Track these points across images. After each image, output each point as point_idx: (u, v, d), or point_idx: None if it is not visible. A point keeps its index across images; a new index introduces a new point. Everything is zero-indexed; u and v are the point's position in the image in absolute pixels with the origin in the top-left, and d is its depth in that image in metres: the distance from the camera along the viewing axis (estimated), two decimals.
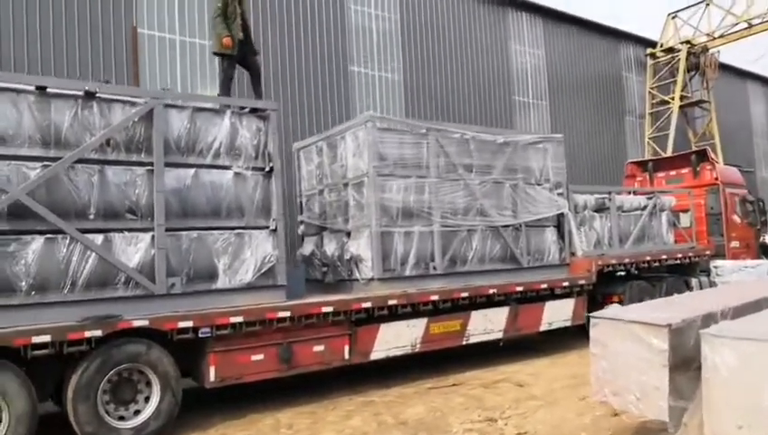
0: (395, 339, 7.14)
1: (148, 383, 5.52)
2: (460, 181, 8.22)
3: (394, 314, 7.12)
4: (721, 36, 20.34)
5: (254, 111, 6.66)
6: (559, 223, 9.52)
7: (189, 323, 5.62)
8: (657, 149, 20.07)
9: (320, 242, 8.36)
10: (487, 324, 8.05)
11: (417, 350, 7.36)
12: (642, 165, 14.36)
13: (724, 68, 23.60)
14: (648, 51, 21.36)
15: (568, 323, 9.05)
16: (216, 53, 6.99)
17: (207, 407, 6.52)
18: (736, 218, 12.95)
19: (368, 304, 6.82)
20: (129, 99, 5.96)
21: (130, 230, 5.73)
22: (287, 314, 6.20)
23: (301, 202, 8.99)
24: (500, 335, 8.19)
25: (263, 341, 6.15)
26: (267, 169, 6.59)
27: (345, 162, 7.87)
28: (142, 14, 11.73)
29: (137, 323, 5.38)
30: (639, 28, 45.98)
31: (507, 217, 8.72)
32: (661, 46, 21.35)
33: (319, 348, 6.55)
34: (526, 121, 17.75)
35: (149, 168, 5.86)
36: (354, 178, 7.67)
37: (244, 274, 6.33)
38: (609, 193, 10.41)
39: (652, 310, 4.01)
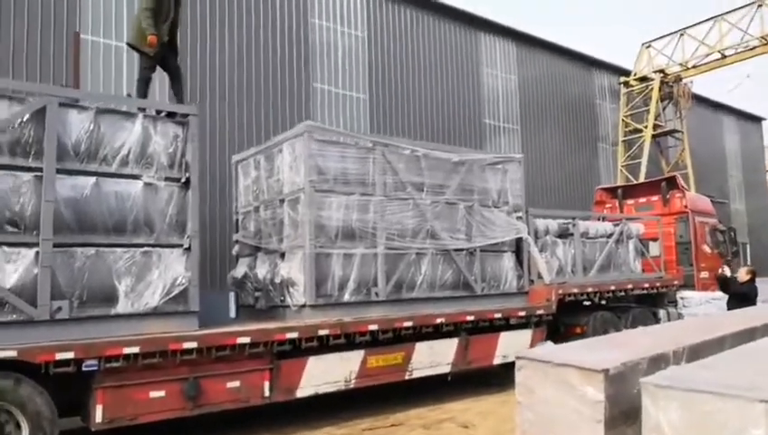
0: (326, 374, 6.37)
1: (18, 426, 4.69)
2: (409, 201, 7.58)
3: (326, 346, 6.37)
4: (694, 67, 20.21)
5: (171, 115, 5.98)
6: (518, 248, 8.90)
7: (70, 355, 4.81)
8: (630, 177, 19.73)
9: (253, 263, 7.61)
10: (434, 357, 7.32)
11: (352, 386, 6.59)
12: (612, 191, 13.89)
13: (699, 99, 23.54)
14: (622, 79, 21.19)
15: None
16: (133, 47, 6.30)
17: None
18: (706, 248, 12.47)
19: (293, 335, 6.06)
20: (17, 95, 5.24)
21: (10, 245, 4.95)
22: (194, 344, 5.42)
23: (237, 220, 8.25)
24: (448, 369, 7.47)
25: (164, 375, 5.35)
26: (183, 180, 5.88)
27: (281, 176, 7.18)
28: (86, 19, 11.07)
29: (1, 355, 4.56)
30: (613, 57, 46.62)
31: (461, 240, 8.07)
32: (635, 75, 21.19)
33: (233, 384, 5.75)
34: (497, 145, 17.28)
35: (38, 174, 5.11)
36: (290, 193, 6.99)
37: (150, 297, 5.55)
38: (573, 218, 9.84)
39: (590, 350, 3.35)
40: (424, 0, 15.79)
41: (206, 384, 5.57)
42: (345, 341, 6.46)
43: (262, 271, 7.25)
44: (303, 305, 6.59)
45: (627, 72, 21.47)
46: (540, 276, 8.96)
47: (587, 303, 9.85)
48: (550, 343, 7.61)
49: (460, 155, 8.32)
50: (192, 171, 5.89)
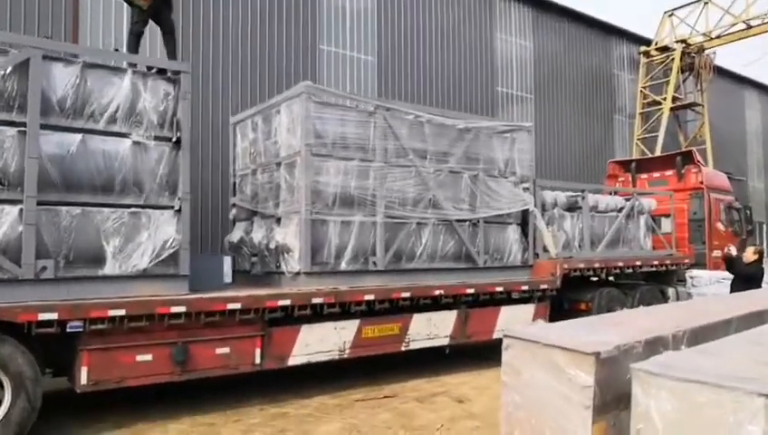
0: (319, 343, 6.25)
1: (1, 385, 4.61)
2: (411, 168, 7.33)
3: (320, 315, 6.24)
4: (718, 37, 19.46)
5: (162, 72, 5.75)
6: (523, 221, 8.66)
7: (53, 316, 4.71)
8: (646, 150, 19.22)
9: (249, 228, 7.46)
10: (431, 329, 7.18)
11: (346, 355, 6.48)
12: (625, 165, 13.50)
13: (720, 72, 22.75)
14: (642, 49, 20.46)
15: None
16: (125, 0, 6.04)
17: (87, 410, 5.63)
18: (720, 226, 12.13)
19: (286, 302, 5.92)
20: (1, 47, 5.03)
21: None
22: (182, 309, 5.30)
23: (234, 183, 8.06)
24: (446, 342, 7.33)
25: (152, 339, 5.25)
26: (174, 139, 5.68)
27: (279, 139, 6.96)
28: None
29: None
30: (634, 26, 45.07)
31: (464, 210, 7.84)
32: (656, 44, 20.46)
33: (223, 350, 5.65)
34: (509, 114, 16.82)
35: (22, 129, 4.94)
36: (287, 156, 6.77)
37: (139, 259, 5.43)
38: (583, 191, 9.55)
39: (584, 331, 3.14)
40: None
41: (194, 349, 5.47)
42: (340, 310, 6.33)
43: (258, 236, 7.09)
44: (298, 273, 6.43)
45: (647, 42, 20.72)
46: (545, 250, 8.74)
47: (594, 278, 9.65)
48: (541, 321, 7.39)
49: (466, 122, 8.02)
50: (183, 131, 5.69)
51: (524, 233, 8.62)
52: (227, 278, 7.26)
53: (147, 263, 5.44)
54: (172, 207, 5.66)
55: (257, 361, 5.83)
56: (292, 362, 6.09)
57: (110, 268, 5.28)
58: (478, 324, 7.61)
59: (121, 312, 4.99)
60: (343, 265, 6.72)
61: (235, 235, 7.68)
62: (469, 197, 7.91)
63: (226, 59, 11.75)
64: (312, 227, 6.45)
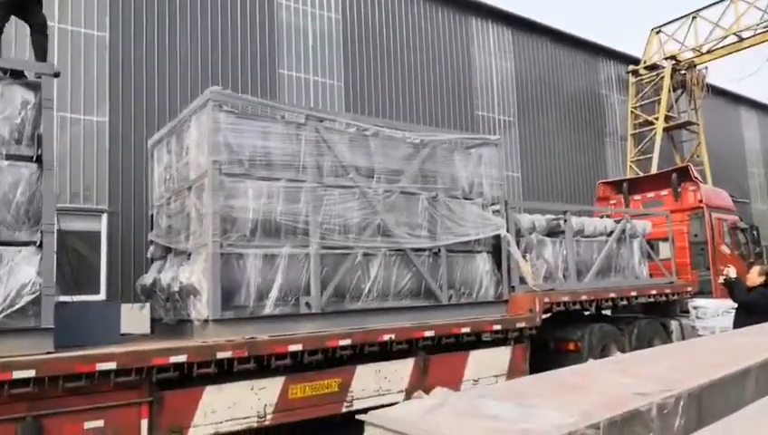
0: (230, 408, 4.97)
1: None
2: (354, 189, 6.19)
3: (232, 372, 4.98)
4: (709, 52, 18.58)
5: (17, 75, 4.66)
6: (495, 248, 7.45)
7: None
8: (640, 173, 18.10)
9: (163, 267, 6.26)
10: (382, 383, 5.90)
11: (268, 422, 5.18)
12: (616, 185, 12.33)
13: (715, 91, 21.85)
14: (630, 68, 19.59)
15: (503, 380, 6.87)
16: None
17: None
18: (725, 249, 10.87)
19: (180, 358, 4.67)
20: None
21: None
22: (30, 373, 4.06)
23: (152, 215, 6.92)
24: (401, 398, 6.02)
25: None
26: (35, 157, 4.55)
27: (189, 159, 5.84)
28: None
29: None
30: (621, 45, 44.69)
31: (422, 238, 6.65)
32: (644, 63, 19.59)
33: (94, 424, 4.38)
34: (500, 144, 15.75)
35: None
36: (196, 178, 5.63)
37: None
38: (565, 213, 8.35)
39: (508, 406, 1.90)
40: None
41: (51, 425, 4.21)
42: (256, 365, 5.07)
43: (167, 276, 5.88)
44: (206, 320, 5.20)
45: (636, 61, 19.87)
46: (523, 281, 7.51)
47: (587, 312, 8.39)
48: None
49: (420, 135, 6.90)
50: (46, 147, 4.56)
51: (497, 263, 7.40)
52: (145, 329, 6.07)
53: None
54: (33, 243, 4.49)
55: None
56: (193, 433, 4.80)
57: None
58: (442, 374, 6.32)
59: None
60: (268, 309, 5.49)
61: (149, 276, 6.48)
62: (428, 222, 6.74)
63: (174, 83, 10.79)
64: (223, 263, 5.25)
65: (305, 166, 5.87)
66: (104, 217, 10.03)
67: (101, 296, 9.81)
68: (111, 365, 4.36)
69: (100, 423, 4.39)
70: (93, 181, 10.04)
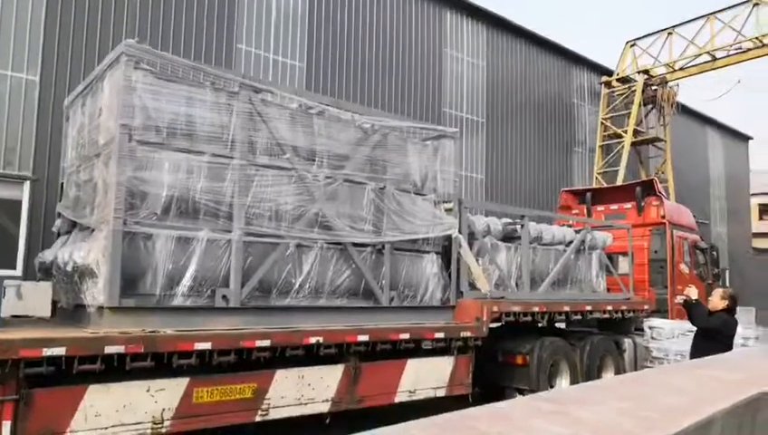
0: (119, 412, 4.27)
1: None
2: (290, 171, 5.55)
3: (125, 371, 4.28)
4: (681, 69, 18.47)
5: None
6: (445, 250, 6.89)
7: None
8: (606, 185, 17.87)
9: (65, 244, 5.49)
10: (304, 391, 5.26)
11: (165, 429, 4.49)
12: (579, 195, 11.93)
13: (685, 110, 21.87)
14: (603, 79, 19.37)
15: (442, 393, 6.34)
16: None
17: None
18: (684, 268, 10.57)
19: (57, 351, 3.95)
20: None
21: None
22: None
23: (62, 184, 6.13)
24: (326, 408, 5.41)
25: None
26: None
27: (100, 121, 5.09)
28: None
29: None
30: (597, 57, 45.10)
31: (365, 232, 6.05)
32: (617, 75, 19.39)
33: None
34: (458, 138, 15.26)
35: None
36: (104, 145, 4.90)
37: None
38: (522, 217, 7.85)
39: None
40: None
41: None
42: (154, 363, 4.37)
43: (64, 254, 5.12)
44: (101, 307, 4.48)
45: (609, 72, 19.67)
46: (473, 287, 6.98)
47: (539, 325, 7.92)
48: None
49: (372, 118, 6.29)
50: None
51: (446, 265, 6.84)
52: (45, 312, 5.32)
53: None
54: None
55: None
56: None
57: None
58: (374, 384, 5.73)
59: None
60: (177, 300, 4.80)
61: (50, 252, 5.70)
62: (373, 215, 6.13)
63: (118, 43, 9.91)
64: (127, 244, 4.55)
65: (234, 141, 5.19)
66: (27, 185, 9.12)
67: (17, 272, 8.90)
68: None
69: None
70: (17, 145, 9.12)
